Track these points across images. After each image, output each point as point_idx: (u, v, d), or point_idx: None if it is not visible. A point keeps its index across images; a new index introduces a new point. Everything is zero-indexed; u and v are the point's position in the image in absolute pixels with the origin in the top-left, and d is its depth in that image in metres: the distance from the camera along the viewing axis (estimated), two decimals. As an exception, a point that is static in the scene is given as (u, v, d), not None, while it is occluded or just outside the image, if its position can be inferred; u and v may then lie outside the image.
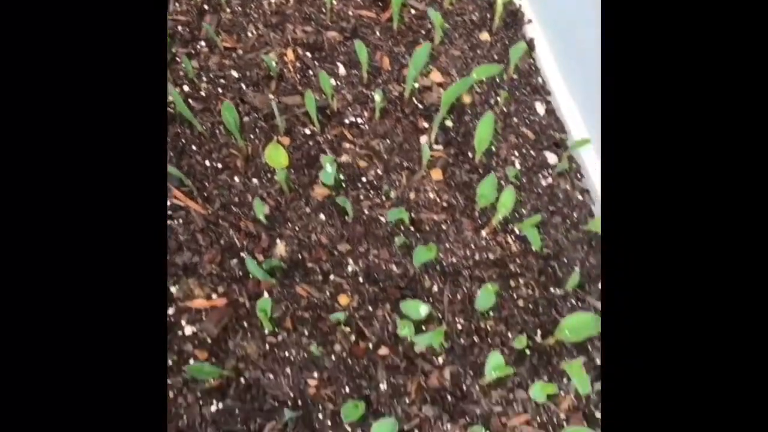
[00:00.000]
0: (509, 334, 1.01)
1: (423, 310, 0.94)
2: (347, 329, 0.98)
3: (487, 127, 1.04)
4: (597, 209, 1.15)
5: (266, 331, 0.95)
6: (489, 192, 1.01)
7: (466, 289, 1.04)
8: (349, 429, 0.91)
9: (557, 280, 1.07)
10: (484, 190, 1.02)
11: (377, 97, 1.11)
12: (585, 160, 1.18)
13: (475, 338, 1.00)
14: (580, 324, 0.88)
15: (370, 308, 1.01)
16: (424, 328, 0.99)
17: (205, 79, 1.15)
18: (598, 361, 1.00)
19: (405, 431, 0.92)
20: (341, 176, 1.11)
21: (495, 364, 0.89)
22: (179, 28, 1.19)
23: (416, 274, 1.04)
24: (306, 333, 0.97)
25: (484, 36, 1.31)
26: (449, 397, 0.96)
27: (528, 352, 1.00)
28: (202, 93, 1.14)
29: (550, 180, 1.18)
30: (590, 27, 1.09)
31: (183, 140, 1.08)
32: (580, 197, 1.16)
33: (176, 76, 1.15)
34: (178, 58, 1.15)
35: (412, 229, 1.08)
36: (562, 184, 1.18)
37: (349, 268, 1.04)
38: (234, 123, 1.00)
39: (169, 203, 1.02)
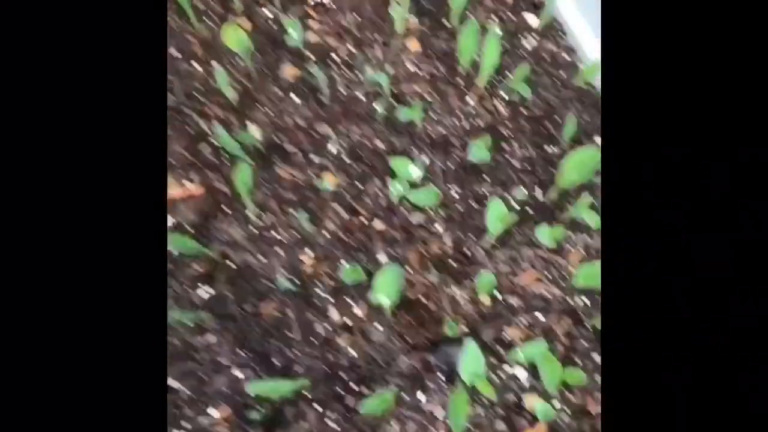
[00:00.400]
0: (507, 195, 0.95)
1: (415, 171, 0.87)
2: (338, 206, 0.92)
3: (462, -24, 0.96)
4: (583, 66, 1.09)
5: (250, 214, 0.88)
6: (470, 43, 0.94)
7: (457, 157, 0.98)
8: (349, 302, 0.85)
9: (552, 138, 1.02)
10: (465, 45, 0.94)
11: (340, -37, 1.02)
12: (566, 16, 1.12)
13: (473, 203, 0.95)
14: (584, 159, 0.82)
15: (359, 185, 0.94)
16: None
17: (149, -34, 1.04)
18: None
19: (411, 300, 0.87)
20: (310, 54, 1.02)
21: (497, 214, 0.83)
22: None
23: (404, 148, 0.97)
24: (294, 213, 0.90)
25: None
26: (453, 263, 0.90)
27: (530, 209, 0.95)
28: (148, -20, 1.03)
29: (533, 42, 1.11)
30: None
31: (133, 28, 0.98)
32: (565, 56, 1.10)
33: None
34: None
35: (393, 103, 1.01)
36: (547, 45, 1.11)
37: (332, 148, 0.96)
38: (186, -5, 0.91)
39: (126, 94, 0.93)
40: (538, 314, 0.87)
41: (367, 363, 0.83)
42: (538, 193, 0.96)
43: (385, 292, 0.76)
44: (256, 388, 0.71)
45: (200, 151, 0.92)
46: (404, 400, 0.81)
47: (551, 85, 1.06)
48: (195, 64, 0.98)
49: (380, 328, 0.85)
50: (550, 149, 1.00)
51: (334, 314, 0.85)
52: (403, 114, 0.95)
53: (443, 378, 0.82)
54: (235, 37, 0.95)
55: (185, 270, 0.83)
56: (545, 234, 0.86)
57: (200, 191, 0.89)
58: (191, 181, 0.90)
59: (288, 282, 0.83)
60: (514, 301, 0.88)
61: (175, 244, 0.76)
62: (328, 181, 0.91)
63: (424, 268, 0.89)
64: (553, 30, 1.13)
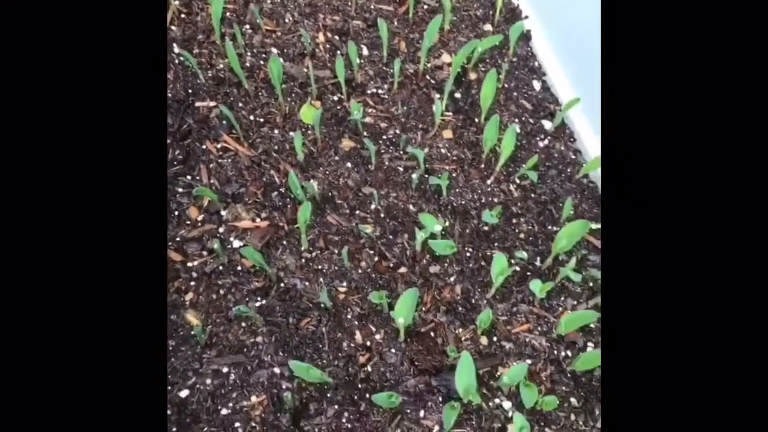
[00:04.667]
0: (512, 260, 1.15)
1: (437, 227, 1.09)
2: (371, 251, 1.13)
3: (491, 85, 1.22)
4: (585, 164, 1.31)
5: (302, 247, 1.10)
6: (493, 134, 1.19)
7: (473, 223, 1.20)
8: (372, 328, 1.05)
9: (554, 219, 1.23)
10: (489, 133, 1.19)
11: (396, 66, 1.30)
12: (576, 125, 1.36)
13: (482, 263, 1.15)
14: (573, 230, 1.03)
15: (391, 237, 1.16)
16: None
17: (249, 53, 1.35)
18: (594, 257, 1.16)
19: (421, 333, 1.06)
20: (365, 133, 1.28)
21: (500, 267, 1.03)
22: (227, 14, 1.40)
23: (430, 212, 1.20)
24: (336, 252, 1.12)
25: (487, 27, 1.52)
26: (460, 308, 1.10)
27: (528, 273, 1.14)
28: (247, 64, 1.33)
29: (546, 142, 1.35)
30: (582, 18, 1.29)
31: (232, 98, 1.26)
32: (572, 156, 1.33)
33: (224, 51, 1.35)
34: (227, 37, 1.35)
35: (426, 176, 1.25)
36: (557, 145, 1.35)
37: (372, 206, 1.19)
38: (278, 75, 1.19)
39: (219, 146, 1.20)
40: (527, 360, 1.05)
41: (380, 379, 1.01)
42: (537, 261, 1.16)
43: (402, 314, 0.96)
44: (295, 366, 0.90)
45: (269, 195, 1.17)
46: (407, 414, 0.98)
47: (557, 177, 1.28)
48: (275, 131, 1.25)
49: (394, 352, 1.03)
50: (551, 228, 1.21)
51: (358, 336, 1.04)
52: (433, 180, 1.18)
53: (441, 399, 1.00)
54: (310, 113, 1.22)
55: (248, 283, 1.05)
56: (537, 286, 1.05)
57: (265, 224, 1.12)
58: (259, 217, 1.13)
59: (325, 304, 1.04)
60: (507, 345, 1.06)
61: (247, 253, 0.98)
62: (366, 230, 1.13)
63: (436, 308, 1.09)
64: (564, 134, 1.37)
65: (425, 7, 1.53)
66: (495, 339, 1.07)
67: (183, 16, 1.38)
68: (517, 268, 1.15)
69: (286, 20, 1.42)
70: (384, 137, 1.30)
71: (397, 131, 1.31)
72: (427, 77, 1.40)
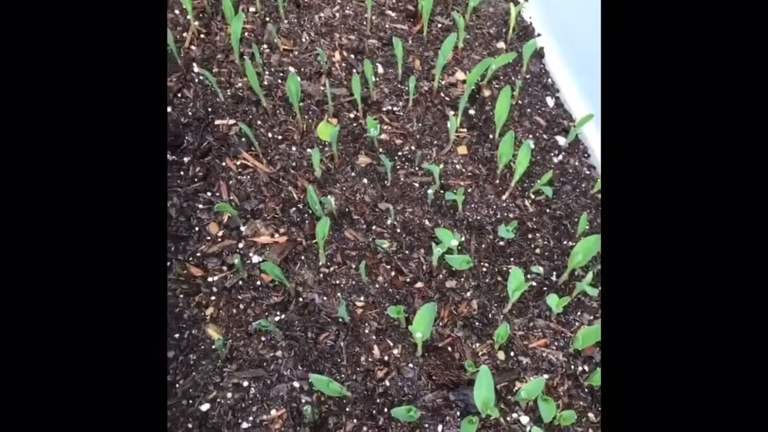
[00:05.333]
0: (528, 275, 1.16)
1: (454, 242, 1.10)
2: (388, 266, 1.15)
3: (505, 101, 1.24)
4: (599, 179, 1.32)
5: (320, 262, 1.12)
6: (508, 151, 1.20)
7: (489, 240, 1.21)
8: (390, 342, 1.06)
9: (569, 234, 1.24)
10: (504, 149, 1.20)
11: (411, 83, 1.32)
12: (590, 141, 1.37)
13: (499, 278, 1.16)
14: (588, 245, 1.04)
15: (407, 252, 1.17)
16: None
17: (267, 72, 1.38)
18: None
19: (439, 348, 1.07)
20: (381, 149, 1.30)
21: (517, 282, 1.04)
22: (246, 34, 1.43)
23: (446, 227, 1.21)
24: (353, 267, 1.13)
25: (500, 45, 1.54)
26: (477, 323, 1.10)
27: (545, 289, 1.15)
28: (265, 82, 1.36)
29: (560, 157, 1.36)
30: (594, 36, 1.31)
31: (250, 116, 1.29)
32: (587, 171, 1.34)
33: (243, 70, 1.37)
34: (245, 56, 1.38)
35: (441, 191, 1.26)
36: (571, 161, 1.36)
37: (388, 221, 1.21)
38: (295, 93, 1.21)
39: (238, 163, 1.22)
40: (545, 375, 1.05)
41: (398, 393, 1.01)
42: (553, 276, 1.17)
43: (420, 329, 0.97)
44: (315, 380, 0.91)
45: (288, 210, 1.18)
46: (425, 428, 0.98)
47: (571, 192, 1.29)
48: (293, 147, 1.27)
49: (412, 366, 1.04)
50: (566, 243, 1.22)
51: (376, 350, 1.05)
52: (448, 196, 1.20)
53: (459, 413, 1.00)
54: (327, 130, 1.24)
55: (267, 298, 1.06)
56: (554, 301, 1.06)
57: (284, 239, 1.14)
58: (278, 232, 1.15)
59: (343, 319, 1.05)
60: (524, 360, 1.07)
61: (266, 268, 1.00)
62: (383, 245, 1.14)
63: (453, 324, 1.09)
64: (578, 150, 1.38)
65: (439, 25, 1.55)
66: (512, 354, 1.07)
67: (202, 36, 1.41)
68: (534, 283, 1.15)
69: (303, 39, 1.45)
70: (399, 153, 1.32)
71: (413, 147, 1.33)
72: (442, 94, 1.42)
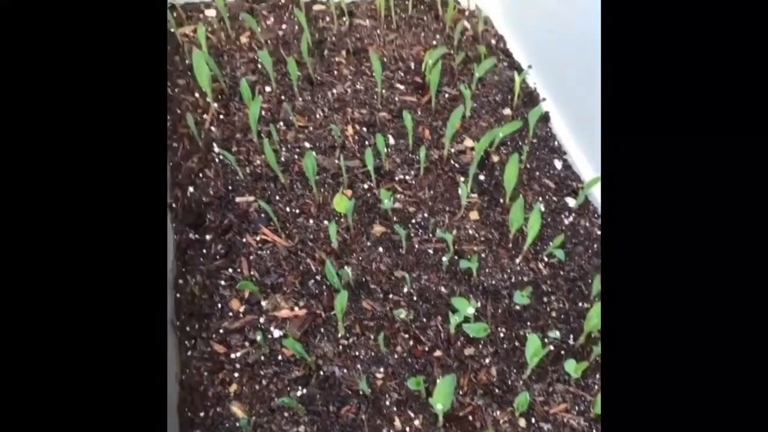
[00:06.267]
0: (545, 339, 1.17)
1: (470, 309, 1.12)
2: (406, 335, 1.17)
3: (514, 168, 1.28)
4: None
5: (339, 335, 1.14)
6: (519, 216, 1.23)
7: (505, 304, 1.22)
8: (411, 414, 1.07)
9: (584, 296, 1.25)
10: (515, 216, 1.24)
11: (422, 153, 1.37)
12: (600, 202, 1.40)
13: (516, 343, 1.17)
14: (603, 311, 1.05)
15: (424, 320, 1.19)
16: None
17: (284, 149, 1.44)
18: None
19: (460, 417, 1.07)
20: (395, 218, 1.34)
21: (534, 348, 1.05)
22: (262, 113, 1.51)
23: (462, 293, 1.23)
24: (372, 337, 1.15)
25: (507, 111, 1.60)
26: (496, 390, 1.11)
27: (563, 352, 1.16)
28: (282, 159, 1.42)
29: (571, 219, 1.39)
30: (595, 98, 1.36)
31: (269, 192, 1.35)
32: (598, 232, 1.37)
33: (261, 148, 1.44)
34: (263, 135, 1.46)
35: (456, 257, 1.29)
36: (582, 222, 1.39)
37: (405, 289, 1.24)
38: (312, 169, 1.27)
39: (258, 238, 1.27)
40: (566, 440, 1.05)
41: (421, 465, 1.02)
42: (570, 339, 1.18)
43: (441, 400, 0.98)
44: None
45: (306, 283, 1.22)
46: (449, 501, 0.98)
47: (584, 253, 1.31)
48: (310, 220, 1.32)
49: (434, 437, 1.04)
50: (582, 305, 1.23)
51: (397, 422, 1.06)
52: (463, 263, 1.23)
53: (483, 485, 1.00)
54: (342, 203, 1.29)
55: (289, 372, 1.09)
56: (572, 366, 1.06)
57: (303, 312, 1.17)
58: (298, 305, 1.18)
59: (364, 391, 1.06)
60: (545, 426, 1.06)
61: (287, 344, 1.03)
62: (401, 315, 1.17)
63: (473, 392, 1.10)
64: (588, 211, 1.41)
65: (446, 95, 1.62)
66: (533, 420, 1.07)
67: (222, 117, 1.49)
68: (552, 347, 1.16)
69: (317, 115, 1.52)
70: (413, 221, 1.36)
71: (426, 215, 1.37)
72: (452, 161, 1.48)
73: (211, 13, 1.75)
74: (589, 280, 1.27)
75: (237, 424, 1.02)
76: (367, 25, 1.78)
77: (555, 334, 1.15)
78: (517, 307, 1.22)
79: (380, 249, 1.29)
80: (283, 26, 1.74)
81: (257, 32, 1.63)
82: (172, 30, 1.64)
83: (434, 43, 1.76)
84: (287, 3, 1.81)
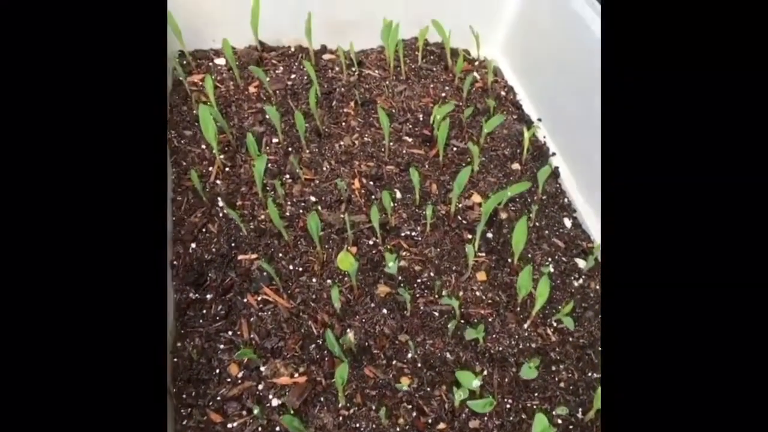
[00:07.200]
0: (553, 413, 1.13)
1: (475, 383, 1.08)
2: (409, 406, 1.13)
3: (522, 229, 1.25)
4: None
5: (340, 405, 1.11)
6: (527, 283, 1.20)
7: (512, 373, 1.18)
8: (413, 493, 1.02)
9: (594, 365, 1.21)
10: (523, 282, 1.20)
11: (428, 210, 1.35)
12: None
13: (523, 415, 1.13)
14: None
15: (428, 389, 1.15)
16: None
17: (289, 203, 1.42)
18: None
19: (464, 497, 1.03)
20: (400, 278, 1.31)
21: (542, 428, 1.01)
22: (269, 165, 1.50)
23: (468, 360, 1.19)
24: (374, 408, 1.11)
25: (515, 166, 1.58)
26: (502, 468, 1.06)
27: (571, 427, 1.11)
28: (287, 213, 1.40)
29: (581, 281, 1.36)
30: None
31: (272, 249, 1.32)
32: (609, 295, 1.33)
33: (266, 203, 1.43)
34: (268, 188, 1.44)
35: (462, 321, 1.25)
36: (592, 284, 1.35)
37: (409, 355, 1.20)
38: (316, 229, 1.25)
39: (260, 298, 1.24)
40: None
41: None
42: (579, 412, 1.13)
43: (442, 485, 0.94)
44: None
45: (308, 347, 1.19)
46: None
47: (593, 318, 1.27)
48: (313, 279, 1.29)
49: None
50: (591, 374, 1.19)
51: (398, 500, 1.02)
52: (469, 333, 1.19)
53: None
54: (347, 261, 1.27)
55: (285, 445, 1.05)
56: (580, 452, 1.02)
57: (303, 380, 1.14)
58: (298, 372, 1.15)
59: (364, 466, 1.02)
60: None
61: (285, 421, 0.99)
62: (404, 384, 1.13)
63: (477, 468, 1.06)
64: (598, 273, 1.37)
65: (455, 149, 1.60)
66: (541, 502, 1.03)
67: (227, 169, 1.48)
68: (560, 421, 1.12)
69: (324, 168, 1.51)
70: (419, 280, 1.32)
71: (432, 274, 1.34)
72: (459, 218, 1.45)
73: (220, 61, 1.75)
74: (599, 348, 1.22)
75: (230, 503, 0.98)
76: (376, 76, 1.78)
77: (563, 410, 1.11)
78: (525, 377, 1.17)
79: (384, 311, 1.26)
80: (292, 76, 1.74)
81: (266, 82, 1.63)
82: (181, 78, 1.64)
83: (443, 95, 1.76)
84: (296, 52, 1.81)
